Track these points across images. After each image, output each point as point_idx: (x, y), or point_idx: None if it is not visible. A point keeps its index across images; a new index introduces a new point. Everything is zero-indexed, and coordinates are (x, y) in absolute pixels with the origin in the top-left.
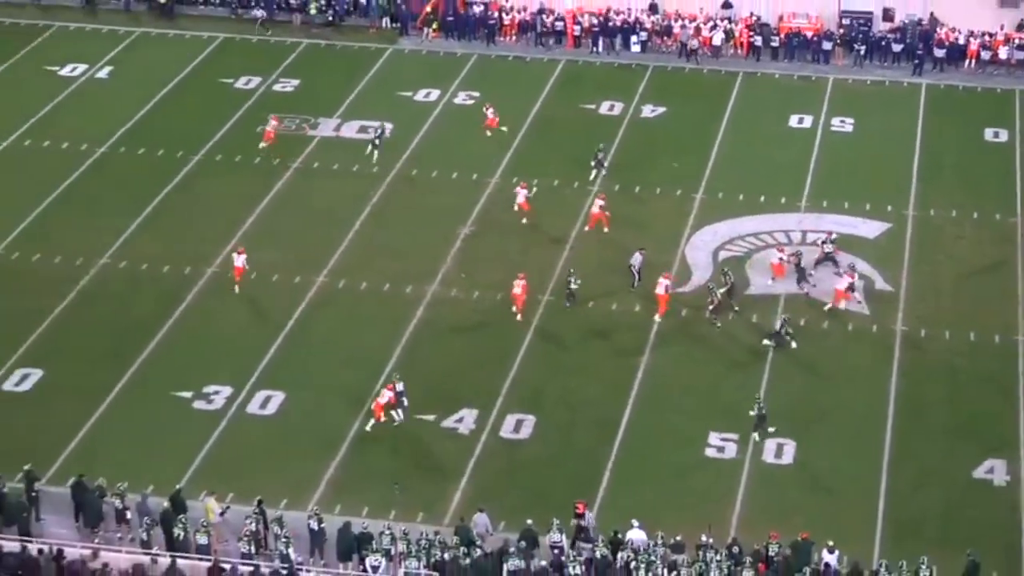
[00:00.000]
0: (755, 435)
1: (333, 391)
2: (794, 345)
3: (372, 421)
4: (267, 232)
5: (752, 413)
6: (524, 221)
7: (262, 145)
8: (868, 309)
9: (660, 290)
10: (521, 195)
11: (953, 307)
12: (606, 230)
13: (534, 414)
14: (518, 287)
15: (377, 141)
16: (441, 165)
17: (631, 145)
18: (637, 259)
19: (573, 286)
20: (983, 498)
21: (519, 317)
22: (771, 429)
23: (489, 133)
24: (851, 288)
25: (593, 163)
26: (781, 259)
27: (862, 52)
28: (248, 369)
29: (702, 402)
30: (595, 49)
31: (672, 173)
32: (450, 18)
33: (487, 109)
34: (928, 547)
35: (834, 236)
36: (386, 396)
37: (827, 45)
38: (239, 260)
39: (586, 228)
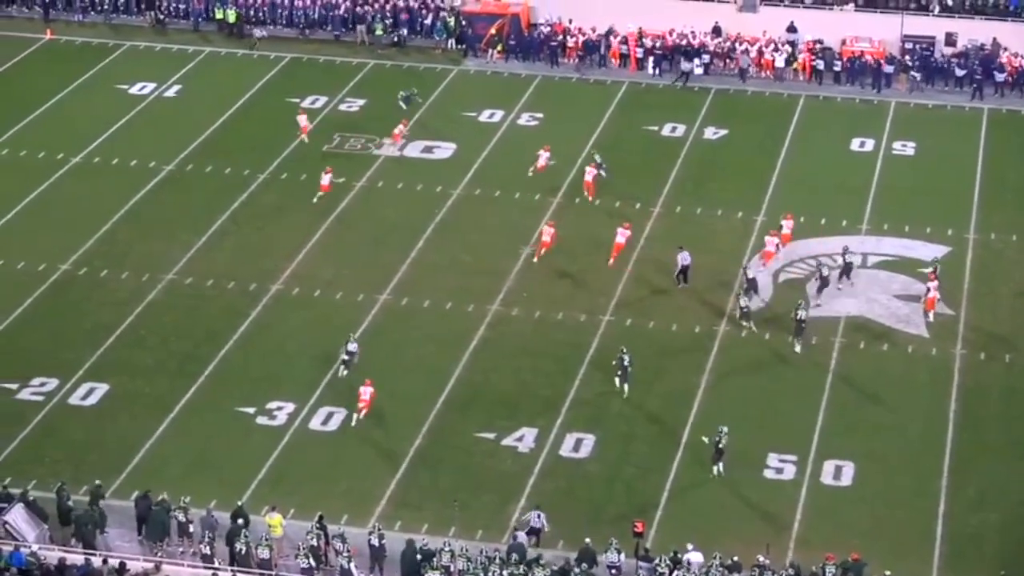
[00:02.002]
0: (717, 468)
1: (394, 409)
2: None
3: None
4: (331, 250)
5: (708, 440)
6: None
7: (303, 138)
8: (928, 331)
9: (620, 239)
10: (589, 174)
11: (1012, 331)
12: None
13: (594, 433)
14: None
15: (408, 98)
16: (504, 185)
17: (693, 167)
18: (686, 258)
19: (799, 315)
20: None
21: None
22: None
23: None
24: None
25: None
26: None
27: (918, 78)
28: (311, 386)
29: (762, 422)
30: (657, 72)
31: (734, 195)
32: (512, 41)
33: (542, 154)
34: (986, 569)
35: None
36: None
37: (889, 69)
38: (325, 179)
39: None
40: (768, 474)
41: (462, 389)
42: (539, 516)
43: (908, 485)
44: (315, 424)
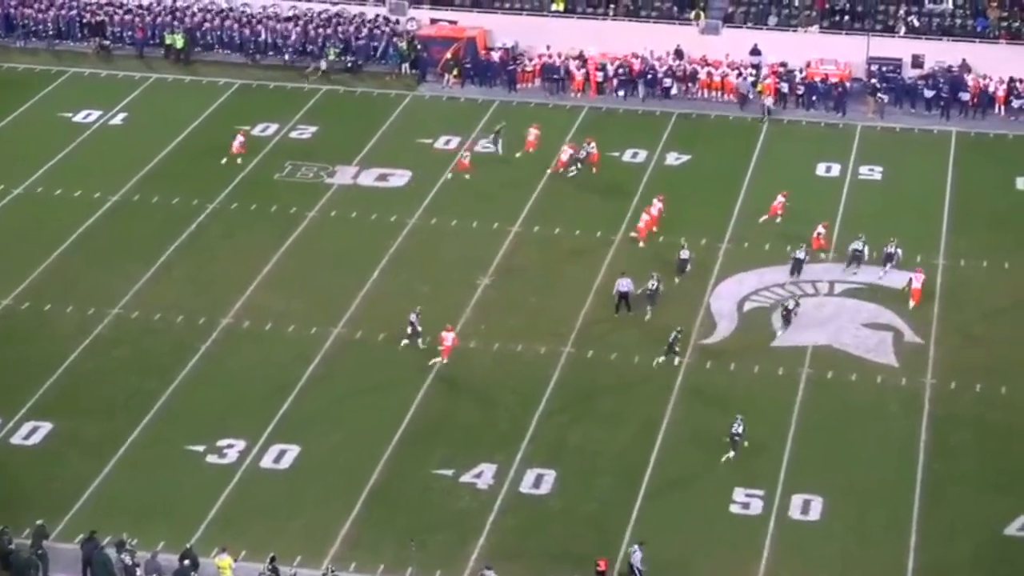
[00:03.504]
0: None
1: (349, 445)
2: (676, 361)
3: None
4: (283, 282)
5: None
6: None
7: (225, 160)
8: (897, 361)
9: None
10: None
11: (984, 359)
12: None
13: (555, 468)
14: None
15: (497, 137)
16: (461, 214)
17: (655, 193)
18: (625, 284)
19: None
20: (1016, 554)
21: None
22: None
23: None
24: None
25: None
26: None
27: (886, 100)
28: (262, 422)
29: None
30: (621, 94)
31: (697, 222)
32: (467, 64)
33: (532, 131)
34: None
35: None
36: (449, 339)
37: (855, 91)
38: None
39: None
40: (735, 509)
41: (419, 424)
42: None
43: (878, 518)
44: (267, 462)
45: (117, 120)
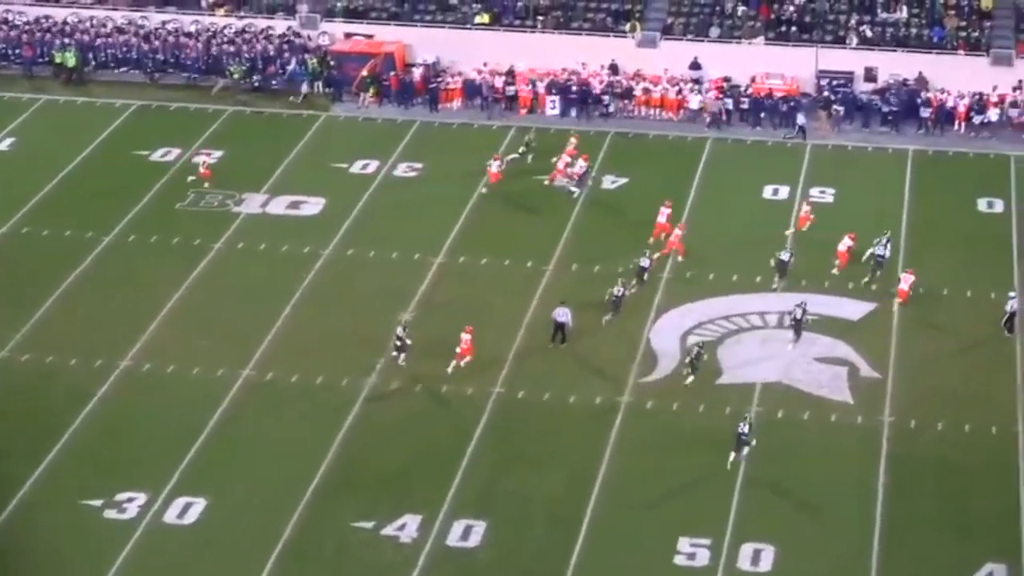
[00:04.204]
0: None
1: (260, 497)
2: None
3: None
4: (187, 320)
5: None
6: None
7: (191, 178)
8: (853, 398)
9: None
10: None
11: (945, 395)
12: None
13: (484, 518)
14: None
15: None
16: (380, 244)
17: (589, 219)
18: (562, 314)
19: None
20: None
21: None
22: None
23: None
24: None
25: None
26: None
27: (841, 112)
28: (166, 474)
29: (672, 502)
30: (553, 113)
31: (635, 252)
32: (386, 82)
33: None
34: None
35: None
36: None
37: (803, 107)
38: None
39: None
40: (679, 560)
41: (336, 473)
42: None
43: (834, 566)
44: (170, 517)
45: (3, 146)
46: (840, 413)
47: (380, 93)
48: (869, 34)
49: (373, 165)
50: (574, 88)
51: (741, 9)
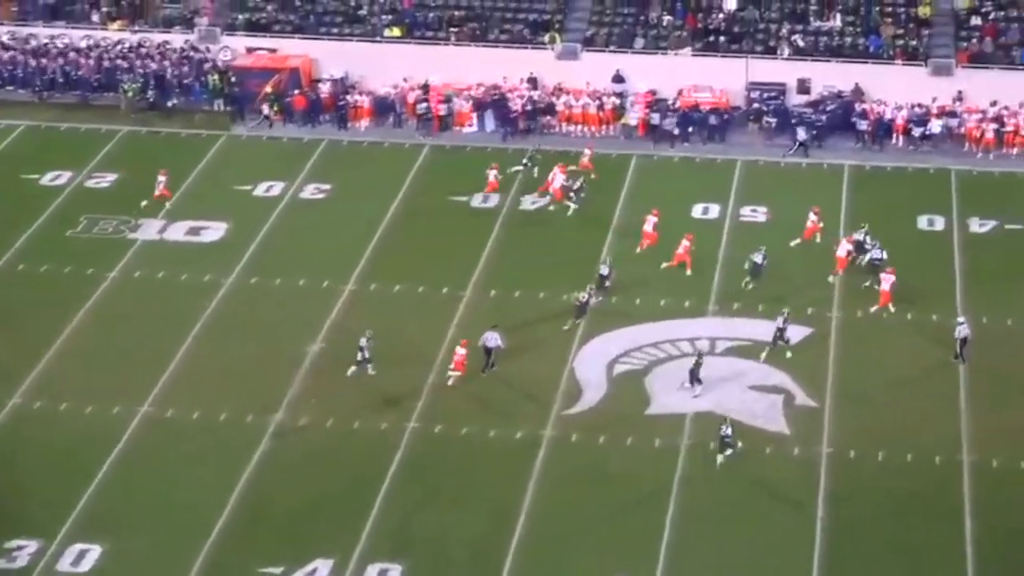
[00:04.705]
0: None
1: (160, 542)
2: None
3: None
4: (80, 354)
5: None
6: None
7: (144, 203)
8: (789, 428)
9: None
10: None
11: (886, 423)
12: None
13: (401, 561)
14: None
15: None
16: (286, 271)
17: (509, 243)
18: (492, 339)
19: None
20: None
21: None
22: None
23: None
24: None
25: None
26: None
27: (774, 124)
28: (59, 519)
29: (600, 540)
30: (471, 129)
31: (557, 276)
32: (287, 99)
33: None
34: None
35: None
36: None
37: (733, 122)
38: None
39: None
40: None
41: (242, 515)
42: None
43: None
44: (64, 565)
45: None
46: (776, 444)
47: (283, 111)
48: (802, 44)
49: (278, 187)
50: (517, 104)
51: (667, 19)
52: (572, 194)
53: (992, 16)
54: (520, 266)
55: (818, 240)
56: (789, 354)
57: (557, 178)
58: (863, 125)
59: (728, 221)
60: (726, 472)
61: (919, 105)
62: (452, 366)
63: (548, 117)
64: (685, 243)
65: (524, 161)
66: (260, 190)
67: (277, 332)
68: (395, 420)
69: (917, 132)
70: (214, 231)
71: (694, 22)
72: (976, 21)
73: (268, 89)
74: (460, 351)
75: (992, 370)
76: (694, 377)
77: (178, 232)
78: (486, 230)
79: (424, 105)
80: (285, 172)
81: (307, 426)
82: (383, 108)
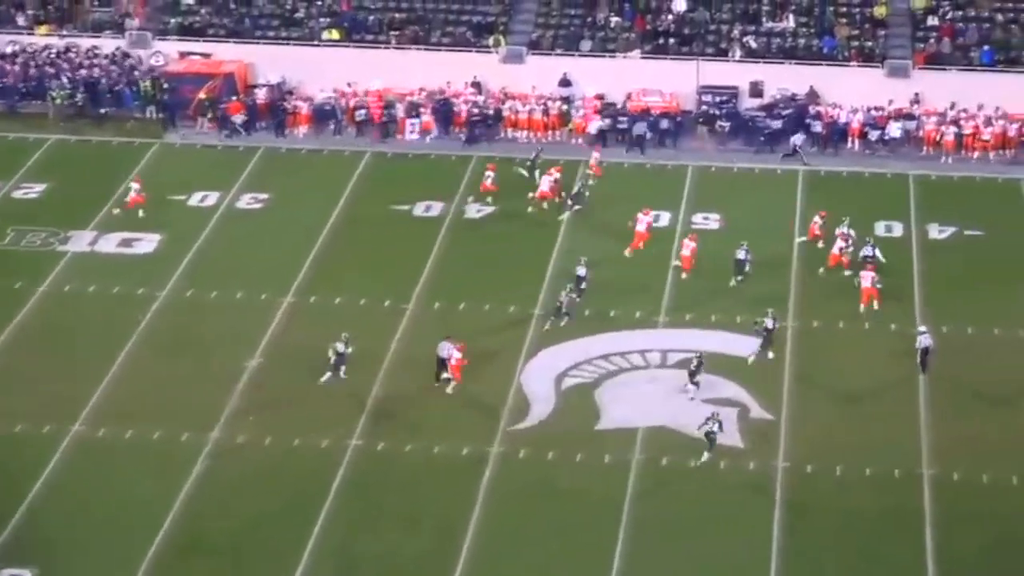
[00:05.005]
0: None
1: (92, 568)
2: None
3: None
4: (7, 372)
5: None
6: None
7: (116, 211)
8: (743, 442)
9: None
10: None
11: (844, 436)
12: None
13: None
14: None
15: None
16: (222, 283)
17: (453, 253)
18: (445, 348)
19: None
20: None
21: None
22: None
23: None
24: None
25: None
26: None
27: (727, 129)
28: None
29: (549, 560)
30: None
31: (503, 287)
32: (222, 105)
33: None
34: None
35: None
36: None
37: (685, 126)
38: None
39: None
40: None
41: (177, 538)
42: None
43: None
44: None
45: None
46: (730, 458)
47: (217, 119)
48: (754, 45)
49: (213, 197)
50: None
51: (614, 20)
52: (570, 199)
53: (949, 16)
54: (465, 277)
55: (820, 245)
56: (751, 358)
57: (545, 179)
58: (817, 128)
59: (679, 229)
60: (679, 487)
61: (875, 108)
62: (448, 373)
63: (493, 122)
64: (692, 245)
65: (528, 163)
66: (195, 200)
67: (213, 347)
68: (337, 437)
69: (874, 136)
70: (147, 243)
71: (643, 24)
72: (933, 21)
73: (202, 95)
74: (456, 355)
75: (953, 380)
76: (692, 378)
77: (110, 244)
78: (430, 240)
79: (363, 112)
80: (220, 181)
81: (245, 444)
82: (322, 115)
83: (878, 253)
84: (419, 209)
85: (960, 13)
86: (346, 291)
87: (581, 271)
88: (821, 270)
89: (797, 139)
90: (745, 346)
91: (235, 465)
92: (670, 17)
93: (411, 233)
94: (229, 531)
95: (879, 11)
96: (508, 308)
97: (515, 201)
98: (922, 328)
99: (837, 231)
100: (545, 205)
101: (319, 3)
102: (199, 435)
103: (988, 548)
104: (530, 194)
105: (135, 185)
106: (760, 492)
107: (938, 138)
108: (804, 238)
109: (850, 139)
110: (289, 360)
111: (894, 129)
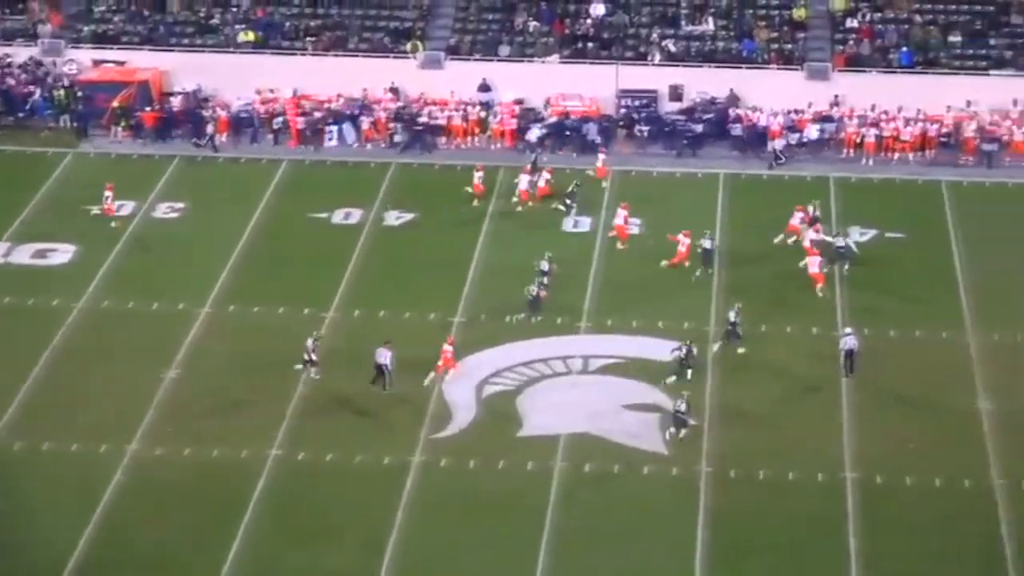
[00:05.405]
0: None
1: None
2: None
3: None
4: None
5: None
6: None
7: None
8: (667, 447)
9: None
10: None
11: (767, 441)
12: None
13: None
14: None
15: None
16: (139, 294)
17: (373, 261)
18: (381, 355)
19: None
20: None
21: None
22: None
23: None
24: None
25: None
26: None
27: (646, 133)
28: None
29: (473, 569)
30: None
31: (423, 294)
32: (136, 114)
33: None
34: None
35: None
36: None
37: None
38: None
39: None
40: None
41: (96, 551)
42: None
43: None
44: None
45: None
46: (653, 464)
47: (131, 127)
48: (673, 49)
49: (129, 206)
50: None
51: (533, 25)
52: (567, 199)
53: (868, 18)
54: (385, 284)
55: (790, 242)
56: (715, 347)
57: (522, 179)
58: (738, 132)
59: (600, 234)
60: (602, 494)
61: (795, 111)
62: (441, 363)
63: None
64: (686, 240)
65: (568, 193)
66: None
67: (131, 358)
68: (257, 447)
69: (793, 138)
70: (62, 253)
71: (562, 28)
72: (853, 23)
73: (116, 104)
74: (447, 348)
75: (875, 383)
76: (684, 366)
77: (23, 255)
78: (349, 247)
79: (281, 119)
80: (136, 190)
81: (164, 456)
82: (239, 122)
83: (846, 242)
84: (338, 216)
85: (879, 15)
86: (265, 300)
87: (544, 266)
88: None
89: (777, 144)
90: (668, 351)
91: (153, 478)
92: (589, 21)
93: (330, 241)
94: (149, 544)
95: (798, 13)
96: (428, 315)
97: (433, 208)
98: (848, 330)
99: (815, 225)
100: (531, 204)
101: (234, 10)
102: (117, 447)
103: (912, 552)
104: (554, 204)
105: (108, 193)
106: (684, 497)
107: (859, 140)
108: (781, 237)
109: (770, 142)
110: (208, 370)
111: (812, 131)
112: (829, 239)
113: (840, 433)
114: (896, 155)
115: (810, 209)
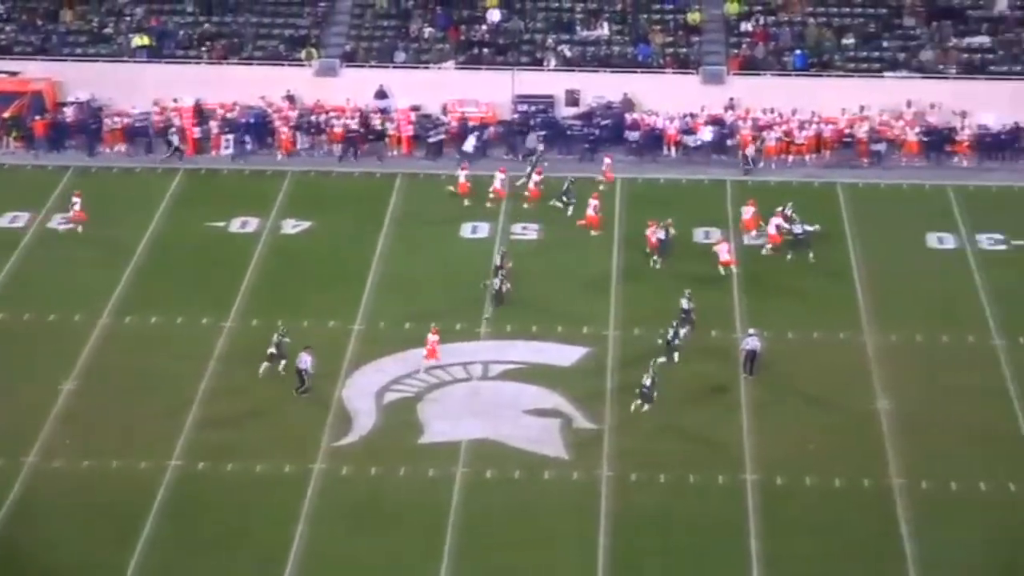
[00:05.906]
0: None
1: None
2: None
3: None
4: None
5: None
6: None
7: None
8: (567, 452)
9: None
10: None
11: (667, 444)
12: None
13: None
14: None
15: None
16: (34, 306)
17: (271, 269)
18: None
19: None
20: None
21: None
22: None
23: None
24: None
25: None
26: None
27: (542, 138)
28: None
29: None
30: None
31: (321, 302)
32: (29, 124)
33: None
34: None
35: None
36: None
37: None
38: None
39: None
40: None
41: None
42: None
43: None
44: None
45: None
46: (554, 469)
47: (22, 137)
48: (569, 54)
49: (24, 218)
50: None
51: (428, 31)
52: (564, 196)
53: (763, 21)
54: (283, 293)
55: (753, 234)
56: (680, 331)
57: (497, 178)
58: (635, 136)
59: (499, 239)
60: (504, 500)
61: (690, 114)
62: (425, 354)
63: (318, 136)
64: (595, 203)
65: (564, 191)
66: (4, 221)
67: (27, 370)
68: (156, 459)
69: (692, 141)
70: None
71: (457, 34)
72: (747, 27)
73: (7, 114)
74: (432, 338)
75: (774, 385)
76: (671, 351)
77: None
78: (246, 256)
79: (176, 128)
80: (30, 202)
81: (62, 468)
82: (134, 132)
83: (805, 228)
84: (235, 225)
85: (773, 18)
86: (163, 310)
87: (497, 260)
88: (764, 251)
89: (750, 151)
90: (568, 355)
91: (50, 491)
92: (484, 27)
93: (227, 250)
94: (46, 558)
95: (693, 18)
96: (327, 323)
97: (330, 216)
98: (751, 331)
99: (777, 211)
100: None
101: (128, 19)
102: (14, 460)
103: (813, 552)
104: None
105: (76, 199)
106: (585, 502)
107: (759, 144)
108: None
109: (666, 146)
110: (106, 382)
111: (706, 133)
112: (787, 226)
113: (740, 435)
114: (791, 157)
115: (788, 213)
